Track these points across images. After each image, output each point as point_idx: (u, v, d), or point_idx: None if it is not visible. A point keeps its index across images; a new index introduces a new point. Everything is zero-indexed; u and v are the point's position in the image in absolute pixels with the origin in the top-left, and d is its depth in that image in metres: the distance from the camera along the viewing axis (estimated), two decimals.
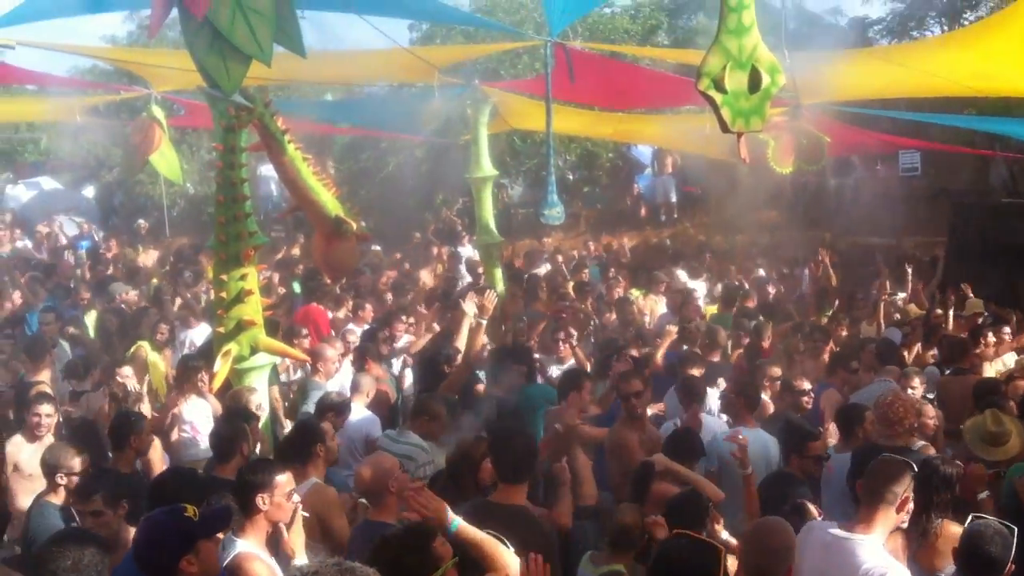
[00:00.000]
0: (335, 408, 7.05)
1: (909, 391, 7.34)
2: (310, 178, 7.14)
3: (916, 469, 4.82)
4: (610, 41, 18.97)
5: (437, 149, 18.34)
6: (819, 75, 10.77)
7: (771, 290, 12.88)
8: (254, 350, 7.03)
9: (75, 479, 5.62)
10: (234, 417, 6.37)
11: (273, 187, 19.98)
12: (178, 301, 11.86)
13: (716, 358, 9.19)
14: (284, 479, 4.72)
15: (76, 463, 5.70)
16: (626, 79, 12.72)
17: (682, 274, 14.15)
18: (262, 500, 4.60)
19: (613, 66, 13.02)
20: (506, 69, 18.70)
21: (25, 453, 6.82)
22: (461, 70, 13.84)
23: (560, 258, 15.90)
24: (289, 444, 6.21)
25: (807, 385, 8.02)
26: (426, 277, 14.42)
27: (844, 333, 10.61)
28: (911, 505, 4.69)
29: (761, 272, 14.46)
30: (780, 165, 12.50)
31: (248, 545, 4.54)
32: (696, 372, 8.12)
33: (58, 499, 5.68)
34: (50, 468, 5.72)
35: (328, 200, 7.25)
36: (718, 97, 3.83)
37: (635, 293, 13.00)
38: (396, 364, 9.91)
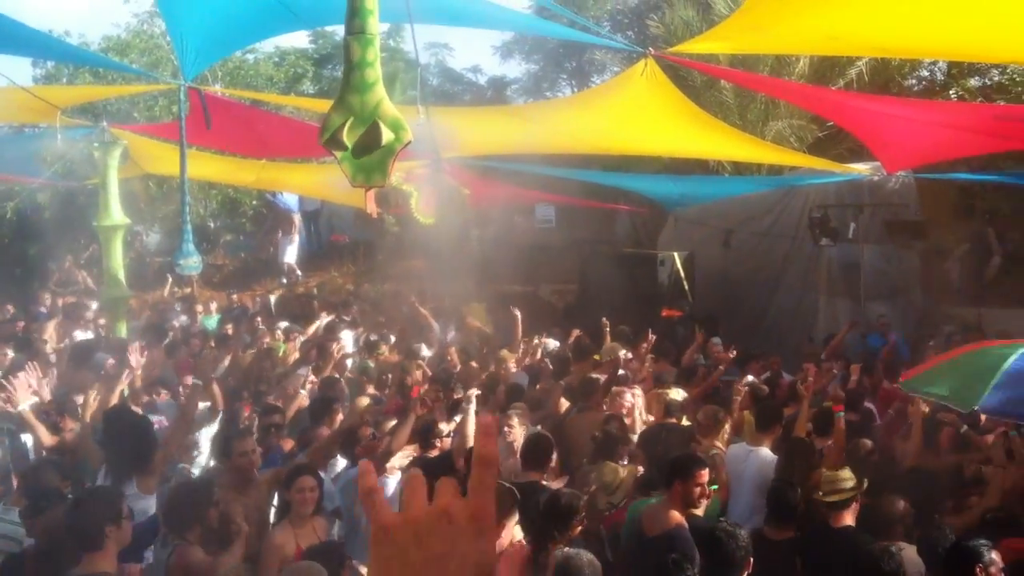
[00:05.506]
0: None
1: (505, 429, 7.51)
2: None
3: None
4: (253, 88, 18.59)
5: (62, 194, 17.04)
6: (458, 130, 11.09)
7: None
8: None
9: None
10: None
11: None
12: None
13: None
14: None
15: None
16: (267, 127, 12.46)
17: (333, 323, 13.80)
18: None
19: (253, 114, 12.74)
20: (141, 112, 17.75)
21: None
22: (90, 111, 12.95)
23: (199, 309, 15.19)
24: None
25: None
26: (50, 332, 13.12)
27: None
28: None
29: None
30: (423, 216, 12.72)
31: None
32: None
33: None
34: None
35: None
36: (338, 153, 3.76)
37: (280, 346, 12.50)
38: None
